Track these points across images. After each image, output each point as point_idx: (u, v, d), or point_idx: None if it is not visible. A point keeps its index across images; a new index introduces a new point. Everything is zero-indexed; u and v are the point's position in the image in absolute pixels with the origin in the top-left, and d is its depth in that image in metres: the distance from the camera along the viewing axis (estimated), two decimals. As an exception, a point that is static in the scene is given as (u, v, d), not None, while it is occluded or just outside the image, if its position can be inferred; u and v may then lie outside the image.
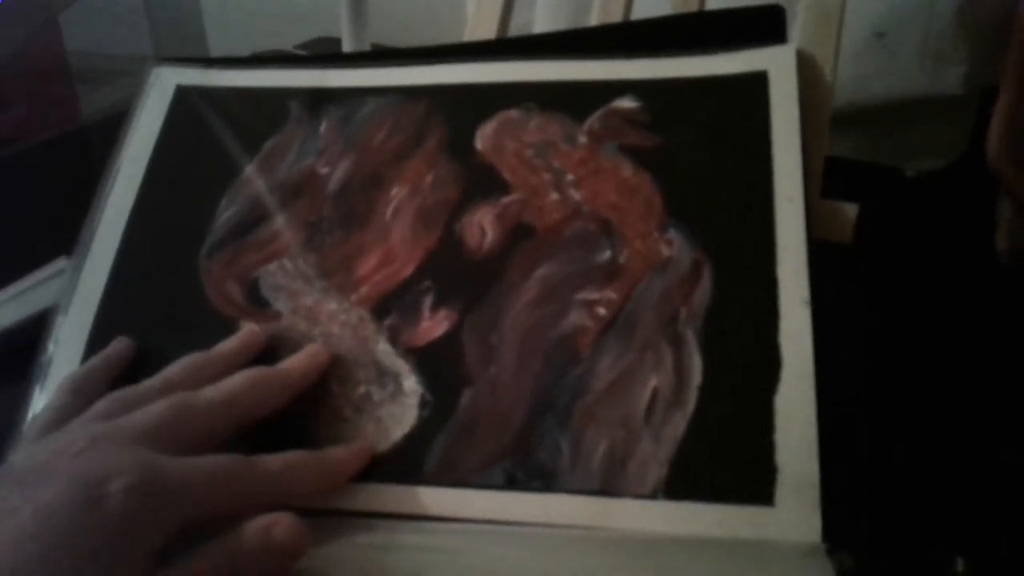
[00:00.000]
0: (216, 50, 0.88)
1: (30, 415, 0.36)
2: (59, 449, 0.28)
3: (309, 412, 0.35)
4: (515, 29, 0.50)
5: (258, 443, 0.33)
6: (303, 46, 0.79)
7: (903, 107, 0.58)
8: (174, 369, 0.34)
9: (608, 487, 0.32)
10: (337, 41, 0.60)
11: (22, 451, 0.31)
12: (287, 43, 0.78)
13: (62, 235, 0.41)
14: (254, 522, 0.28)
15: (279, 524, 0.29)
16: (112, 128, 0.43)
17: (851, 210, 0.39)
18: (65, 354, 0.37)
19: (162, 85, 0.44)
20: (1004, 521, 0.35)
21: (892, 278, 0.49)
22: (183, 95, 0.44)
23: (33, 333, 0.38)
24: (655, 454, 0.32)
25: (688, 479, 0.31)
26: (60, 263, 0.48)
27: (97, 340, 0.37)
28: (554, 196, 0.38)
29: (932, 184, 0.57)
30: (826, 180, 0.39)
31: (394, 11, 0.67)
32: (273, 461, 0.31)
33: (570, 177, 0.38)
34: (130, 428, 0.29)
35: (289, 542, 0.29)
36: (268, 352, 0.36)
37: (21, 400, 0.36)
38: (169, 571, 0.26)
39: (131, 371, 0.36)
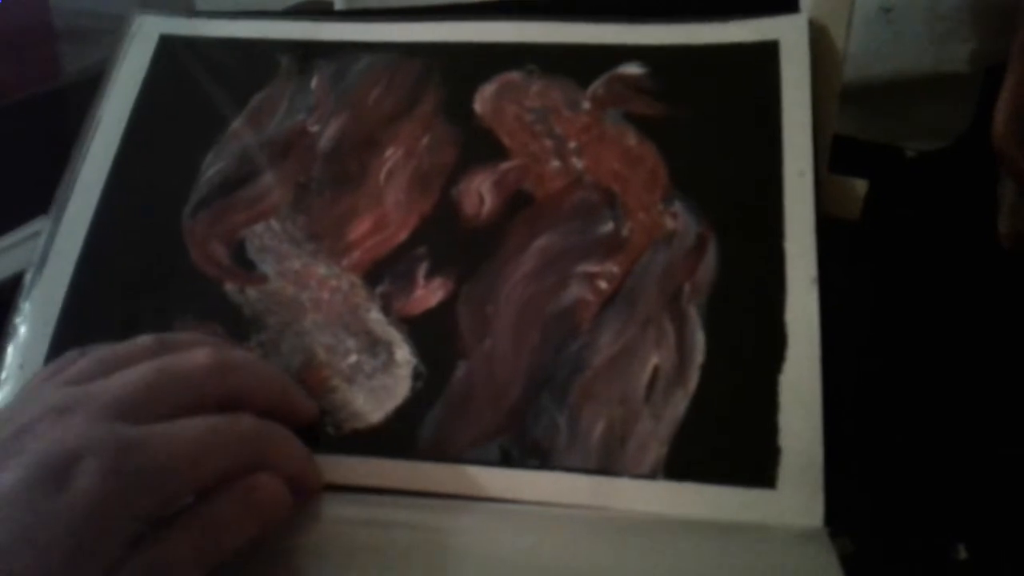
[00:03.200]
0: (202, 7, 0.85)
1: (3, 376, 0.35)
2: (23, 424, 0.25)
3: (295, 382, 0.33)
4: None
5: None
6: (293, 8, 0.77)
7: (907, 84, 0.57)
8: (172, 334, 0.32)
9: (606, 466, 0.31)
10: (329, 2, 0.59)
11: None
12: (277, 4, 0.76)
13: (42, 195, 0.39)
14: (232, 486, 0.27)
15: (259, 486, 0.28)
16: (94, 86, 0.41)
17: (860, 186, 0.38)
18: (39, 314, 0.36)
19: (144, 34, 0.42)
20: (1006, 507, 0.34)
21: (891, 260, 0.48)
22: (167, 45, 0.42)
23: (9, 295, 0.37)
24: (655, 433, 0.31)
25: (688, 459, 0.31)
26: (38, 224, 0.46)
27: (73, 301, 0.36)
28: (555, 163, 0.37)
29: (933, 165, 0.56)
30: (830, 156, 0.38)
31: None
32: (256, 424, 0.29)
33: (572, 144, 0.37)
34: (104, 396, 0.27)
35: (270, 504, 0.28)
36: (253, 316, 0.35)
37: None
38: (142, 553, 0.25)
39: (108, 336, 0.35)
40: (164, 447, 0.26)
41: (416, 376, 0.33)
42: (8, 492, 0.23)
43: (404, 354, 0.34)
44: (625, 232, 0.35)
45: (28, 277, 0.37)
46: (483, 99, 0.39)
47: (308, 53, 0.41)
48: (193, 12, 0.43)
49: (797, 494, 0.30)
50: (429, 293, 0.35)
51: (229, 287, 0.36)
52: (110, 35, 0.44)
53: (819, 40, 0.38)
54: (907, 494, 0.35)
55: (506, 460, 0.31)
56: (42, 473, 0.24)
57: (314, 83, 0.40)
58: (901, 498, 0.34)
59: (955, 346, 0.43)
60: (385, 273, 0.35)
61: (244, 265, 0.36)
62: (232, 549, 0.27)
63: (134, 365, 0.28)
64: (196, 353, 0.29)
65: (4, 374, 0.35)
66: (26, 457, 0.24)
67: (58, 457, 0.24)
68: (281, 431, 0.30)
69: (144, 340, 0.31)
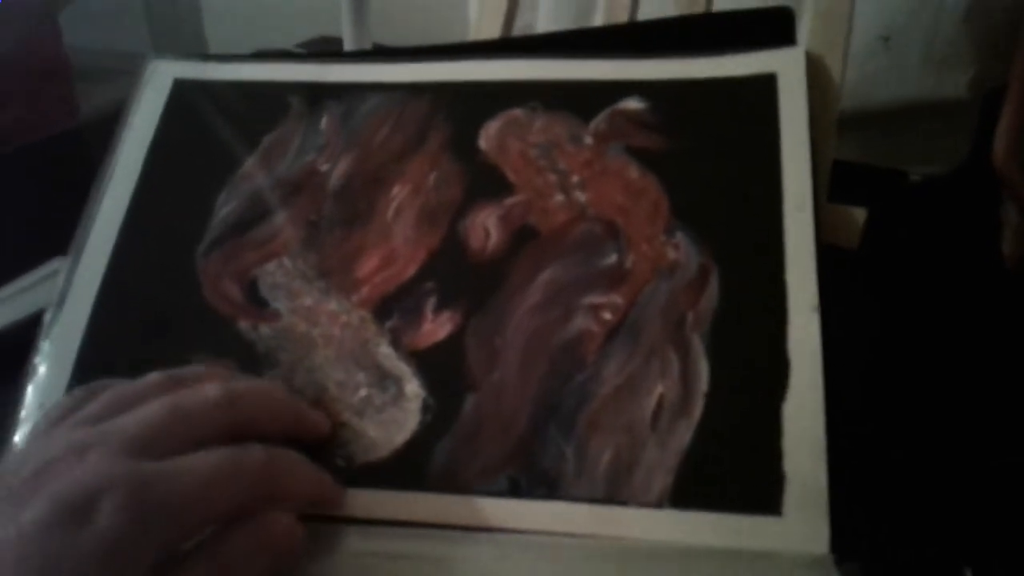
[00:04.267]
0: (215, 48, 0.87)
1: (23, 415, 0.35)
2: (43, 463, 0.26)
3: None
4: (518, 30, 0.49)
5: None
6: (303, 45, 0.78)
7: (907, 111, 0.57)
8: (180, 369, 0.33)
9: (613, 495, 0.31)
10: (338, 41, 0.60)
11: (11, 458, 0.30)
12: (287, 42, 0.78)
13: (60, 235, 0.40)
14: (245, 523, 0.28)
15: (272, 523, 0.28)
16: (111, 126, 0.42)
17: (859, 215, 0.39)
18: (58, 353, 0.37)
19: (159, 78, 0.44)
20: (1013, 532, 0.34)
21: (896, 283, 0.48)
22: (181, 89, 0.43)
23: (29, 334, 0.37)
24: (661, 462, 0.31)
25: (694, 488, 0.31)
26: (56, 263, 0.47)
27: (91, 340, 0.37)
28: (559, 197, 0.38)
29: (936, 188, 0.56)
30: (830, 183, 0.39)
31: (396, 11, 0.67)
32: (267, 454, 0.29)
33: (575, 178, 0.38)
34: (120, 434, 0.28)
35: (284, 541, 0.28)
36: (266, 353, 0.36)
37: (14, 401, 0.36)
38: None
39: (126, 373, 0.35)
40: (180, 482, 0.27)
41: (425, 409, 0.34)
42: (30, 530, 0.24)
43: (413, 387, 0.34)
44: (628, 264, 0.36)
45: (47, 317, 0.38)
46: (488, 136, 0.40)
47: (317, 94, 0.42)
48: (205, 56, 0.44)
49: (803, 521, 0.30)
50: (437, 327, 0.35)
51: (242, 324, 0.36)
52: (126, 74, 0.45)
53: (816, 72, 0.38)
54: (913, 519, 0.35)
55: (514, 490, 0.32)
56: (63, 511, 0.25)
57: (324, 123, 0.41)
58: (907, 523, 0.34)
59: (960, 369, 0.43)
60: (394, 308, 0.36)
61: (257, 303, 0.37)
62: None
63: (146, 402, 0.29)
64: (206, 387, 0.30)
65: (24, 413, 0.35)
66: (47, 495, 0.25)
67: (78, 495, 0.25)
68: (292, 457, 0.30)
69: (154, 377, 0.32)
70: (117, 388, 0.31)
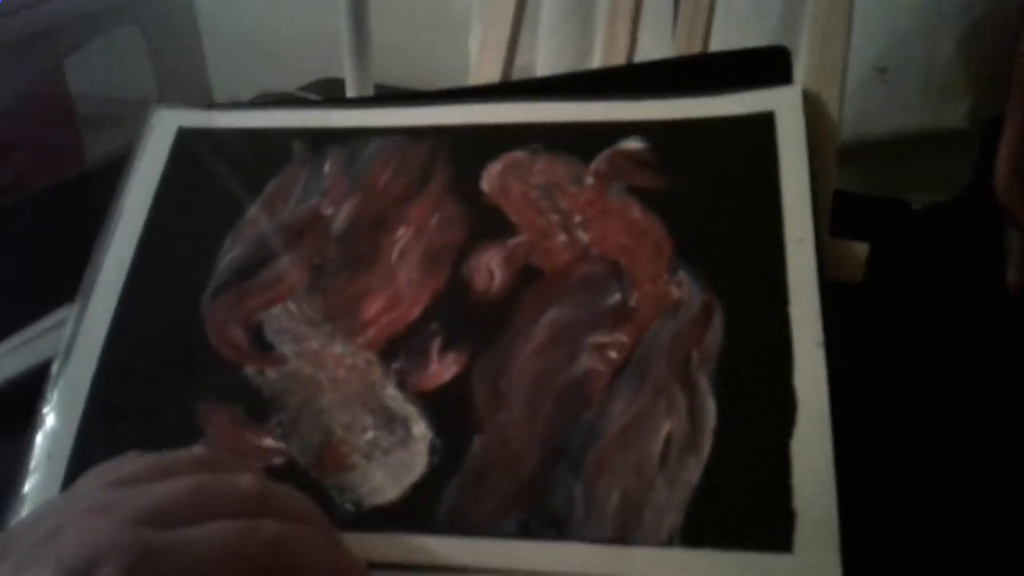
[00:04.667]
0: (219, 92, 0.88)
1: (32, 465, 0.35)
2: (61, 520, 0.26)
3: (314, 461, 0.34)
4: (518, 70, 0.50)
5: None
6: (306, 88, 0.79)
7: (906, 141, 0.58)
8: (227, 459, 0.32)
9: (623, 535, 0.31)
10: (340, 83, 0.60)
11: (38, 510, 0.30)
12: (290, 84, 0.79)
13: (68, 282, 0.40)
14: None
15: None
16: (117, 172, 0.43)
17: (861, 249, 0.39)
18: (66, 402, 0.37)
19: (163, 127, 0.44)
20: (1020, 561, 0.34)
21: (900, 312, 0.48)
22: (185, 137, 0.44)
23: (37, 383, 0.38)
24: (670, 501, 0.31)
25: (704, 526, 0.31)
26: (64, 311, 0.47)
27: (98, 388, 0.37)
28: (562, 238, 0.38)
29: (939, 217, 0.57)
30: (832, 214, 0.39)
31: (397, 52, 0.67)
32: (279, 528, 0.28)
33: (578, 218, 0.38)
34: (140, 501, 0.27)
35: None
36: (272, 397, 0.36)
37: (23, 451, 0.36)
38: None
39: (134, 421, 0.36)
40: (186, 554, 0.26)
41: (433, 450, 0.34)
42: None
43: (421, 429, 0.34)
44: (632, 303, 0.36)
45: (55, 367, 0.38)
46: (490, 178, 0.40)
47: (320, 139, 0.43)
48: (210, 104, 0.45)
49: (814, 556, 0.30)
50: (443, 368, 0.35)
51: (249, 369, 0.37)
52: (131, 120, 0.45)
53: (814, 108, 0.39)
54: (923, 549, 0.34)
55: (524, 532, 0.32)
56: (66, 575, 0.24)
57: (327, 168, 0.42)
58: (917, 554, 0.34)
59: (966, 398, 0.43)
60: (400, 350, 0.36)
61: (263, 347, 0.37)
62: None
63: (179, 475, 0.29)
64: (240, 476, 0.30)
65: (33, 463, 0.35)
66: (54, 557, 0.25)
67: (82, 560, 0.25)
68: (307, 532, 0.29)
69: (197, 451, 0.32)
70: (156, 456, 0.30)
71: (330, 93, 0.72)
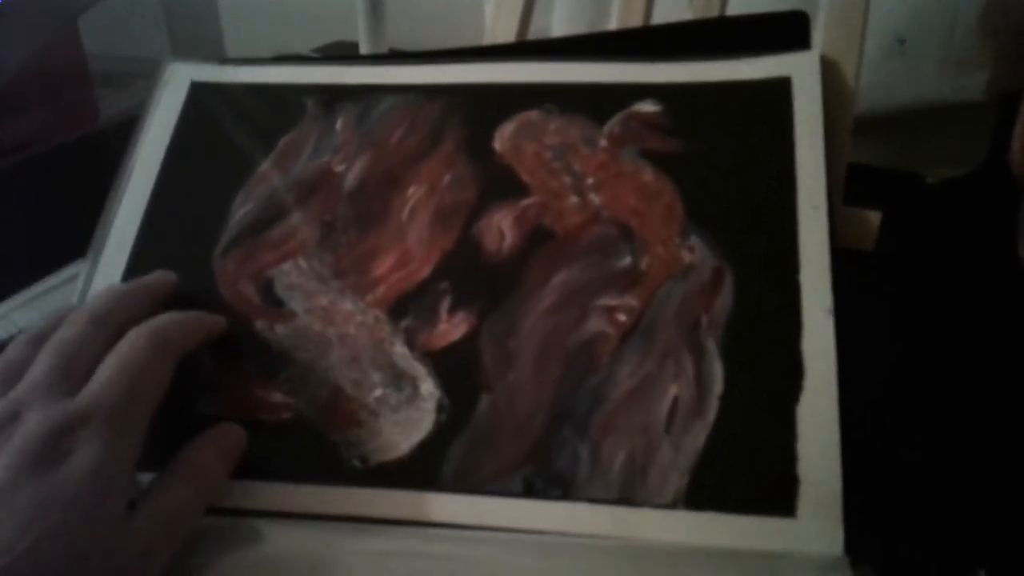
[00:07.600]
0: (233, 53, 0.88)
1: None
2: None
3: (322, 416, 0.34)
4: (533, 34, 0.49)
5: (267, 448, 0.33)
6: (320, 50, 0.79)
7: (924, 114, 0.57)
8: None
9: (627, 496, 0.31)
10: (355, 45, 0.60)
11: None
12: (305, 47, 0.78)
13: (81, 238, 0.40)
14: (209, 437, 0.32)
15: (227, 432, 0.33)
16: (130, 131, 0.43)
17: (874, 217, 0.39)
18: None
19: (176, 81, 0.44)
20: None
21: (912, 285, 0.48)
22: (198, 91, 0.43)
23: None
24: (675, 463, 0.32)
25: (708, 489, 0.31)
26: (76, 266, 0.47)
27: None
28: (574, 200, 0.38)
29: (953, 191, 0.56)
30: (846, 186, 0.39)
31: (412, 15, 0.67)
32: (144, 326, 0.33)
33: (590, 181, 0.38)
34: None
35: (236, 444, 0.33)
36: (282, 352, 0.36)
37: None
38: (147, 503, 0.29)
39: None
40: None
41: (440, 409, 0.34)
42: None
43: (428, 387, 0.34)
44: (643, 266, 0.36)
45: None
46: (503, 138, 0.40)
47: (333, 96, 0.42)
48: (223, 59, 0.45)
49: (817, 522, 0.30)
50: (452, 327, 0.36)
51: (259, 324, 0.37)
52: (144, 79, 0.45)
53: (831, 76, 0.38)
54: (927, 520, 0.35)
55: (529, 491, 0.32)
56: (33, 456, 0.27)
57: (339, 124, 0.42)
58: (920, 525, 0.34)
59: (975, 371, 0.43)
60: (409, 308, 0.36)
61: (273, 303, 0.37)
62: (217, 488, 0.31)
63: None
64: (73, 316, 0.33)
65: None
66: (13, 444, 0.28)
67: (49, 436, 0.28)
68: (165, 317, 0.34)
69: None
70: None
71: (344, 56, 0.72)
